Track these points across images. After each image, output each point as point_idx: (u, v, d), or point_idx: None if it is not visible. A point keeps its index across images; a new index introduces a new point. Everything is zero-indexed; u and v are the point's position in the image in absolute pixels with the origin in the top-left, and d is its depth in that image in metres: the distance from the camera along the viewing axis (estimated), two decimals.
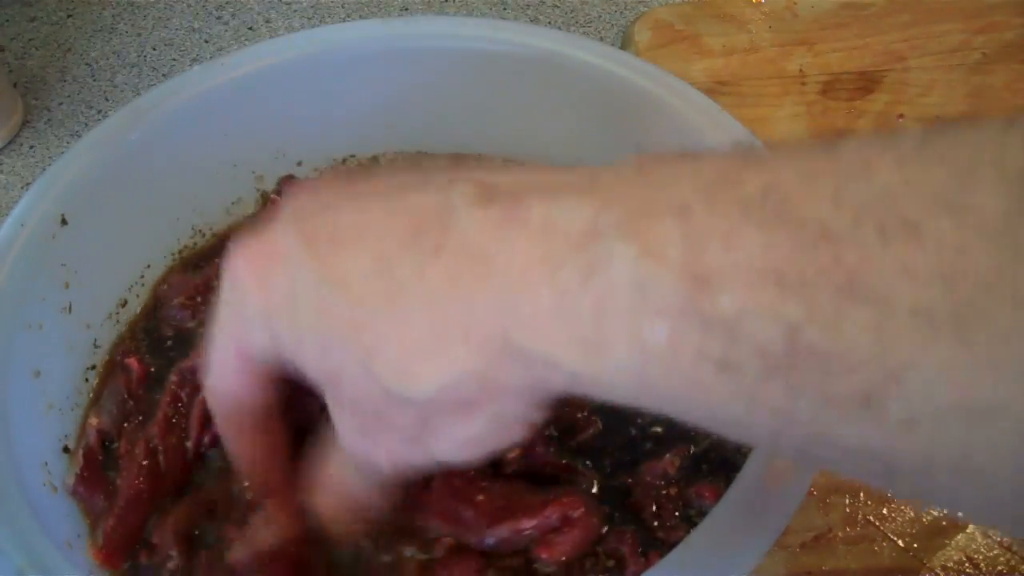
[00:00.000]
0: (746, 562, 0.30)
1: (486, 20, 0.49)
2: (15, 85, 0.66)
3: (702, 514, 0.36)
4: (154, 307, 0.46)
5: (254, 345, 0.30)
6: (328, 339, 0.27)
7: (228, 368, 0.31)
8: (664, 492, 0.37)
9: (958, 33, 0.65)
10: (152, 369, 0.43)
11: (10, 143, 0.63)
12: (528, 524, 0.35)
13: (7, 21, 0.72)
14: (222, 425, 0.34)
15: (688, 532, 0.33)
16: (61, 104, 0.66)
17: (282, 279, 0.28)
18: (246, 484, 0.37)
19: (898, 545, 0.42)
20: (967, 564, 0.42)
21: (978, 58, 0.63)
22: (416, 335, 0.26)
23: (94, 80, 0.67)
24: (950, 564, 0.42)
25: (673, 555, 0.30)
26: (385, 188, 0.29)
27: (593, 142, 0.49)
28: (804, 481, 0.32)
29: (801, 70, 0.63)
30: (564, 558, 0.35)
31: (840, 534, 0.43)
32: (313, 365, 0.29)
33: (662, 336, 0.22)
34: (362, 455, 0.30)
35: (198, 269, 0.48)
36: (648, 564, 0.35)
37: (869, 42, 0.64)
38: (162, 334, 0.45)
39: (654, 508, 0.37)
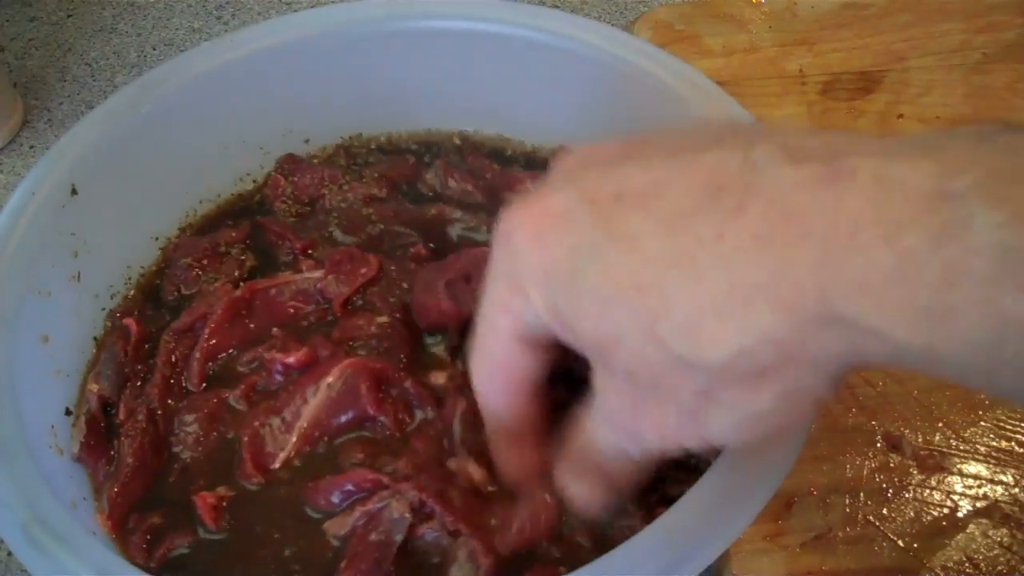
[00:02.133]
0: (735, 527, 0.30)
1: (493, 1, 0.49)
2: (15, 85, 0.66)
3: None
4: (161, 267, 0.46)
5: (527, 311, 0.28)
6: (609, 300, 0.26)
7: (499, 340, 0.30)
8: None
9: (958, 33, 0.64)
10: (152, 331, 0.43)
11: (10, 143, 0.63)
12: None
13: (7, 21, 0.72)
14: (489, 401, 0.32)
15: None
16: (61, 104, 0.66)
17: (561, 237, 0.27)
18: (502, 469, 0.34)
19: (898, 545, 0.42)
20: (967, 564, 0.42)
21: (978, 58, 0.63)
22: (711, 296, 0.24)
23: (94, 80, 0.67)
24: (950, 564, 0.42)
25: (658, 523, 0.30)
26: (671, 148, 0.27)
27: (599, 122, 0.49)
28: (791, 453, 0.31)
29: (801, 70, 0.63)
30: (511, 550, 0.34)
31: (840, 534, 0.43)
32: (588, 329, 0.27)
33: None
34: (626, 433, 0.28)
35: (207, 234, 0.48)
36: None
37: (869, 42, 0.64)
38: (164, 295, 0.45)
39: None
